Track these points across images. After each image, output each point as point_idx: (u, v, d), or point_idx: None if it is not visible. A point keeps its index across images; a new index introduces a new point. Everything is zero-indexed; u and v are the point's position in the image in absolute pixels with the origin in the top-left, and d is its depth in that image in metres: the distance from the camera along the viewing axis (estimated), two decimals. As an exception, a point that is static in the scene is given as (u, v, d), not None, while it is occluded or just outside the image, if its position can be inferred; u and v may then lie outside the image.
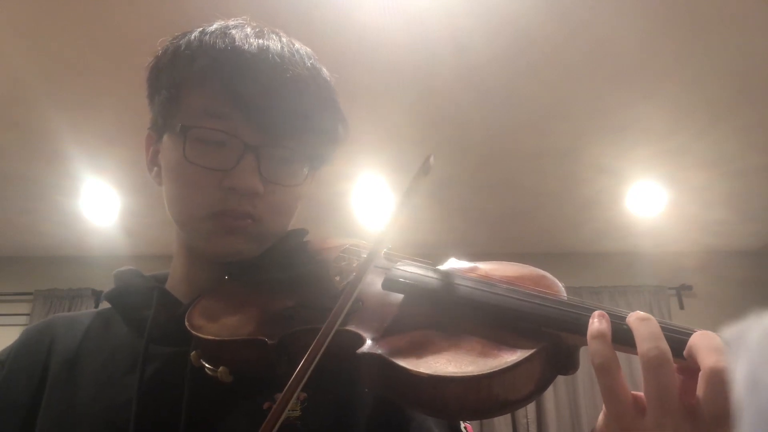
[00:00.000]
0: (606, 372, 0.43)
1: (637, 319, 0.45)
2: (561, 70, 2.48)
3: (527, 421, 3.93)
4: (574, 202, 3.70)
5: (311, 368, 0.47)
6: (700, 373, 0.41)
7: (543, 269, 0.58)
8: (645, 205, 3.67)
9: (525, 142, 3.02)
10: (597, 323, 0.45)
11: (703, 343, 0.42)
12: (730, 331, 0.29)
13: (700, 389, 0.40)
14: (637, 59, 2.42)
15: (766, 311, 0.28)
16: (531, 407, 3.98)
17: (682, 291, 4.43)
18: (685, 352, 0.43)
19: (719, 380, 0.39)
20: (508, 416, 3.93)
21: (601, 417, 0.47)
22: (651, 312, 4.26)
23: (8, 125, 2.72)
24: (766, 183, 3.49)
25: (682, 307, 4.40)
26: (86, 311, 0.76)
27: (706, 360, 0.40)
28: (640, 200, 3.63)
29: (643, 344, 0.42)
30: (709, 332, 0.43)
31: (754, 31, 2.27)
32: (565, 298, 0.52)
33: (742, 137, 3.03)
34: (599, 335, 0.44)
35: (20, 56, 2.27)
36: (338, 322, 0.50)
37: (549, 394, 3.98)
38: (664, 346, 0.42)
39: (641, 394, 0.43)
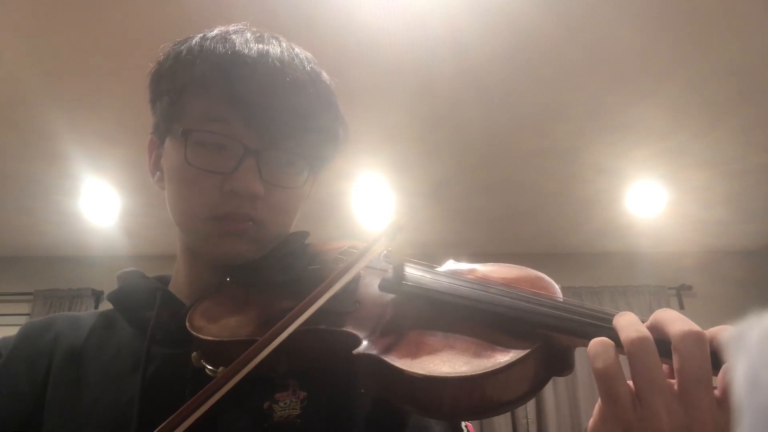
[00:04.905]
0: (606, 377, 0.42)
1: (616, 316, 0.46)
2: (561, 70, 2.48)
3: (527, 421, 3.93)
4: (574, 202, 3.70)
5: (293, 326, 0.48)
6: (672, 346, 0.41)
7: (543, 269, 0.58)
8: (645, 205, 3.67)
9: (525, 142, 3.02)
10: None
11: (664, 315, 0.43)
12: (730, 331, 0.29)
13: (675, 362, 0.41)
14: (637, 59, 2.42)
15: (766, 311, 0.28)
16: (531, 407, 3.98)
17: (682, 291, 4.43)
18: (647, 324, 0.43)
19: (689, 342, 0.40)
20: (508, 416, 3.93)
21: (597, 412, 0.46)
22: (651, 312, 4.31)
23: (8, 125, 2.72)
24: (766, 183, 3.49)
25: (682, 307, 4.40)
26: (89, 312, 0.77)
27: (672, 328, 0.41)
28: (640, 200, 3.63)
29: (623, 332, 0.43)
30: (668, 309, 0.44)
31: (754, 31, 2.27)
32: (561, 300, 0.52)
33: (742, 137, 3.03)
34: (601, 341, 0.44)
35: (20, 56, 2.27)
36: (321, 300, 0.51)
37: (549, 394, 3.98)
38: (643, 328, 0.43)
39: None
